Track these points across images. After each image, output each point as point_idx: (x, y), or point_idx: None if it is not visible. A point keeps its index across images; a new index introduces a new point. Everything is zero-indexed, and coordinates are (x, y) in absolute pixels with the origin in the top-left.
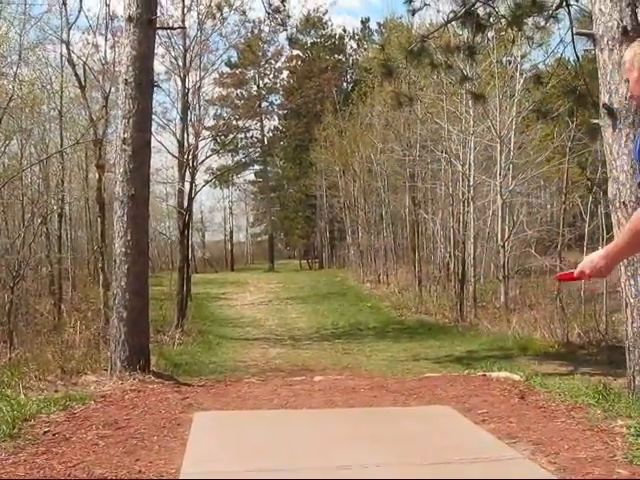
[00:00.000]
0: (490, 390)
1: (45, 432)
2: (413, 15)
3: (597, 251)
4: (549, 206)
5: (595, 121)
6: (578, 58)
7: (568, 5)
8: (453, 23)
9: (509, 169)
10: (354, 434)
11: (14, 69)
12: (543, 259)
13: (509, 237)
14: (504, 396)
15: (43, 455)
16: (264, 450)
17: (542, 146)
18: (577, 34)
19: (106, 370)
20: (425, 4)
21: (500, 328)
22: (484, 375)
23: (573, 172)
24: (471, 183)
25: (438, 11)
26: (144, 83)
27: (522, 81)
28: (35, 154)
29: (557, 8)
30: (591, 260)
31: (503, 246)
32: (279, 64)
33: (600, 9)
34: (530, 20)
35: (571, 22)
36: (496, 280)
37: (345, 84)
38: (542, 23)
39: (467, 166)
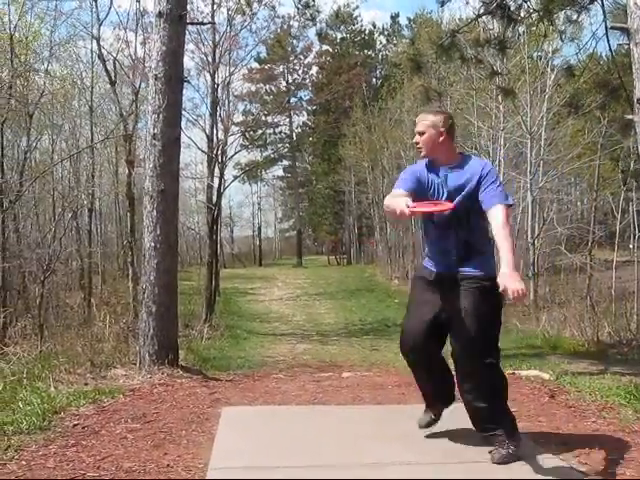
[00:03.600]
0: (519, 388)
1: (75, 425)
2: (442, 6)
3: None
4: (580, 203)
5: (628, 117)
6: (612, 52)
7: None
8: (483, 18)
9: (539, 166)
10: (381, 431)
11: (45, 65)
12: (573, 257)
13: (539, 234)
14: (534, 395)
15: (73, 448)
16: (291, 446)
17: (573, 142)
18: (611, 28)
19: (135, 364)
20: None
21: (529, 326)
22: (513, 373)
23: (604, 169)
24: (501, 180)
25: (467, 2)
26: (174, 78)
27: (553, 76)
28: (66, 149)
29: (591, 2)
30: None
31: (533, 243)
32: (308, 60)
33: (635, 2)
34: (562, 14)
35: (605, 16)
36: (525, 277)
37: (374, 80)
38: (574, 17)
39: (497, 162)
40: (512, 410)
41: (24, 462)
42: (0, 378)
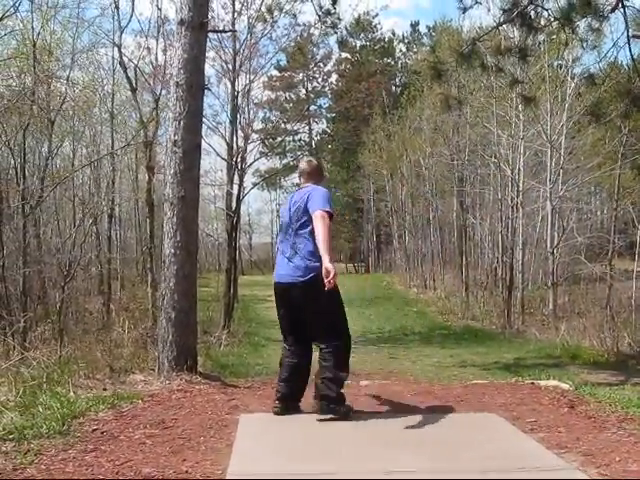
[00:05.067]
0: (539, 399)
1: (94, 430)
2: (464, 13)
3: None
4: (599, 212)
5: None
6: (634, 60)
7: (624, 7)
8: (504, 26)
9: (559, 174)
10: (399, 439)
11: (67, 72)
12: (593, 266)
13: (558, 243)
14: (553, 405)
15: (92, 453)
16: (309, 453)
17: (593, 151)
18: (633, 37)
19: (153, 370)
20: (477, 1)
21: (548, 336)
22: (532, 383)
23: (625, 178)
24: (520, 188)
25: (489, 10)
26: (195, 86)
27: (573, 85)
28: (86, 155)
29: (613, 10)
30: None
31: (552, 252)
32: (328, 67)
33: None
34: (583, 22)
35: (627, 24)
36: (544, 287)
37: (394, 88)
38: (596, 25)
39: (516, 171)
40: (531, 420)
41: (43, 466)
42: (20, 382)
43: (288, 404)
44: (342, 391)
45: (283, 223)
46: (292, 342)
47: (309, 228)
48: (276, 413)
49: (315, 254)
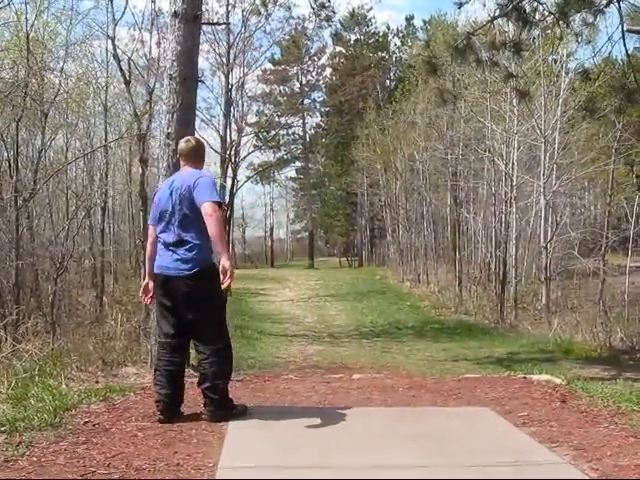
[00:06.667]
0: (531, 393)
1: (85, 422)
2: (460, 8)
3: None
4: (593, 207)
5: None
6: (628, 55)
7: (619, 1)
8: (498, 20)
9: (553, 169)
10: (391, 433)
11: (61, 64)
12: (586, 261)
13: (552, 238)
14: (545, 399)
15: (83, 445)
16: (301, 446)
17: (587, 146)
18: (627, 31)
19: (146, 363)
20: None
21: (541, 330)
22: (525, 377)
23: (619, 173)
24: (514, 183)
25: (484, 5)
26: (188, 78)
27: (568, 80)
28: (80, 148)
29: (607, 4)
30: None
31: (546, 247)
32: (322, 61)
33: None
34: (578, 16)
35: (621, 18)
36: (537, 281)
37: (388, 82)
38: (590, 19)
39: (510, 166)
40: (523, 414)
41: (35, 458)
42: (12, 375)
43: (171, 409)
44: (229, 396)
45: (164, 211)
46: (171, 343)
47: (196, 218)
48: (161, 421)
49: (203, 246)
